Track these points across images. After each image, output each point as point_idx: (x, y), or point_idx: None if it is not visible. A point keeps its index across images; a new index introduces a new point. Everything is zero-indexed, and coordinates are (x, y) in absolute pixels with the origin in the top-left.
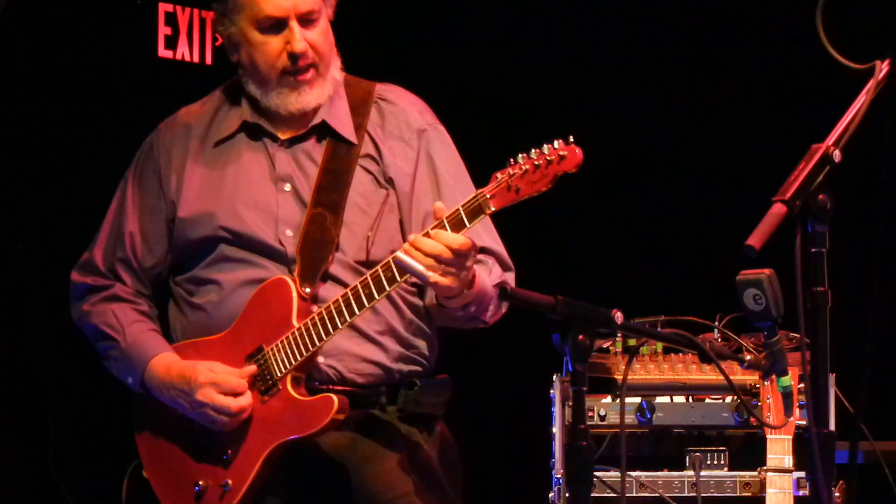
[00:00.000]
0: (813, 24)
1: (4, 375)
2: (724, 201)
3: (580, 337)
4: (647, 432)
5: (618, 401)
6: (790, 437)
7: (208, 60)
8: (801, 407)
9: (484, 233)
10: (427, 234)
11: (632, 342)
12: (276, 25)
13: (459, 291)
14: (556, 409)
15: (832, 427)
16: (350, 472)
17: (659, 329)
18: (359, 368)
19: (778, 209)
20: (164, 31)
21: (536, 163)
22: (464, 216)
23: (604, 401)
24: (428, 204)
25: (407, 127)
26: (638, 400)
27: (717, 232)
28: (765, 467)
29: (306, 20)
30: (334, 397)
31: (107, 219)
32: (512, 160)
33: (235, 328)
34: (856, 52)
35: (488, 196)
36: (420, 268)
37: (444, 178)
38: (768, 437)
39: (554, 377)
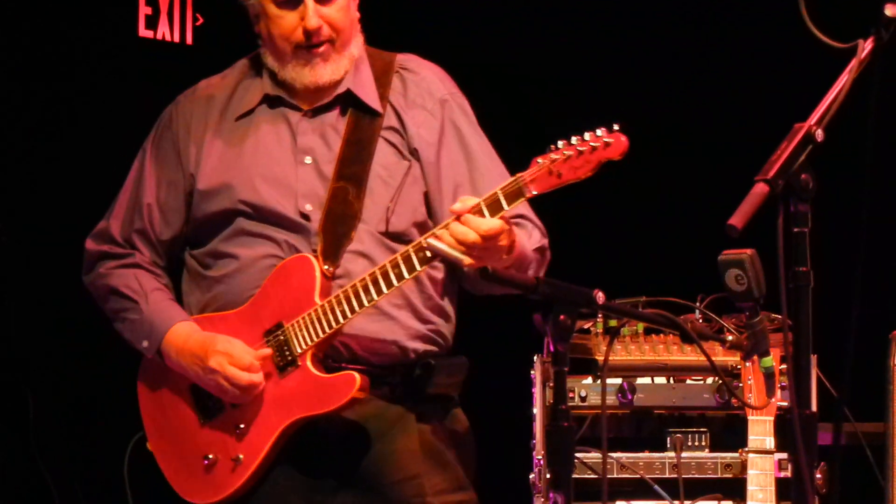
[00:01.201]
0: (795, 2)
1: None
2: (706, 181)
3: (561, 317)
4: (627, 413)
5: (598, 381)
6: (771, 418)
7: (189, 40)
8: (782, 388)
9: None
10: (459, 220)
11: (613, 323)
12: (292, 1)
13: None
14: (537, 390)
15: (814, 408)
16: (360, 450)
17: (640, 310)
18: (374, 347)
19: (760, 189)
20: (144, 10)
21: (580, 148)
22: (502, 199)
23: (584, 381)
24: (458, 175)
25: (429, 95)
26: (619, 381)
27: (698, 211)
28: (746, 449)
29: None
30: (356, 375)
31: (124, 188)
32: (553, 146)
33: (254, 303)
34: (838, 31)
35: (528, 180)
36: (455, 253)
37: (474, 151)
38: (749, 418)
39: (535, 357)
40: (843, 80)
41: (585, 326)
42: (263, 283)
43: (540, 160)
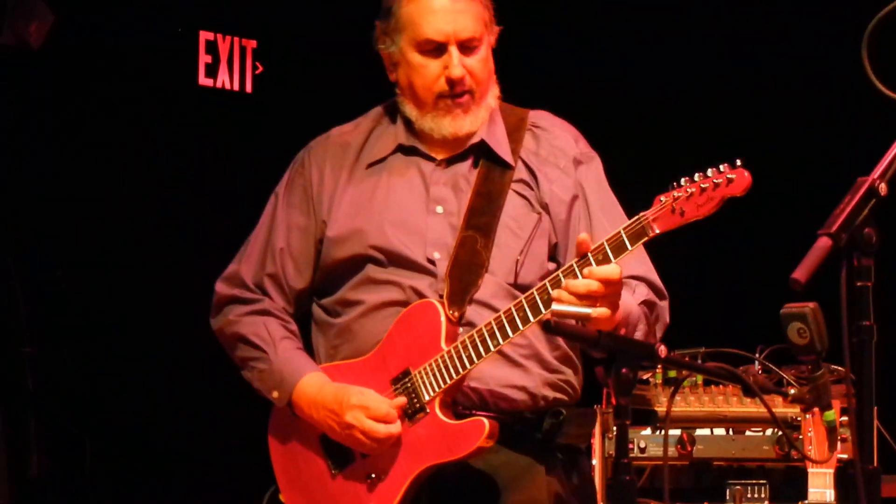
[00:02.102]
0: (859, 55)
1: (46, 399)
2: (769, 233)
3: (623, 370)
4: (687, 465)
5: (657, 433)
6: (832, 470)
7: (248, 88)
8: (843, 441)
9: (632, 258)
10: (573, 275)
11: (672, 373)
12: (436, 49)
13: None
14: (597, 441)
15: (875, 462)
16: (488, 500)
17: (699, 361)
18: (503, 393)
19: (823, 242)
20: (204, 59)
21: (703, 185)
22: (625, 239)
23: (643, 433)
24: (580, 233)
25: (563, 154)
26: (678, 432)
27: (760, 263)
28: (806, 501)
29: (467, 46)
30: (486, 421)
31: (255, 233)
32: (675, 183)
33: (380, 350)
34: None
35: (651, 218)
36: (579, 310)
37: (594, 208)
38: (809, 470)
39: (595, 408)
40: None
41: (645, 377)
42: (389, 330)
43: (663, 198)
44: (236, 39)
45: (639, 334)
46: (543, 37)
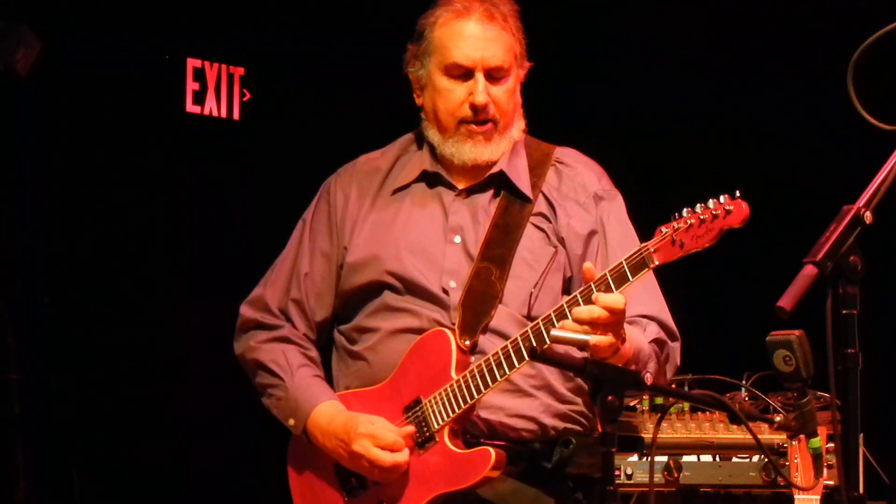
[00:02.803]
0: (844, 84)
1: (33, 426)
2: (756, 261)
3: (609, 398)
4: (673, 491)
5: (644, 459)
6: (818, 497)
7: (236, 116)
8: (829, 468)
9: (646, 296)
10: (577, 304)
11: (659, 400)
12: (464, 75)
13: (614, 351)
14: None
15: (861, 489)
16: None
17: (686, 388)
18: (512, 423)
19: (809, 271)
20: (192, 86)
21: (702, 217)
22: (627, 270)
23: (630, 459)
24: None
25: (584, 191)
26: (665, 459)
27: (746, 291)
28: None
29: (494, 76)
30: (492, 450)
31: (282, 257)
32: (677, 214)
33: (394, 379)
34: (887, 113)
35: (652, 250)
36: (577, 337)
37: (611, 243)
38: (796, 497)
39: None
40: (892, 162)
41: (632, 404)
42: (403, 358)
43: (664, 229)
44: (224, 66)
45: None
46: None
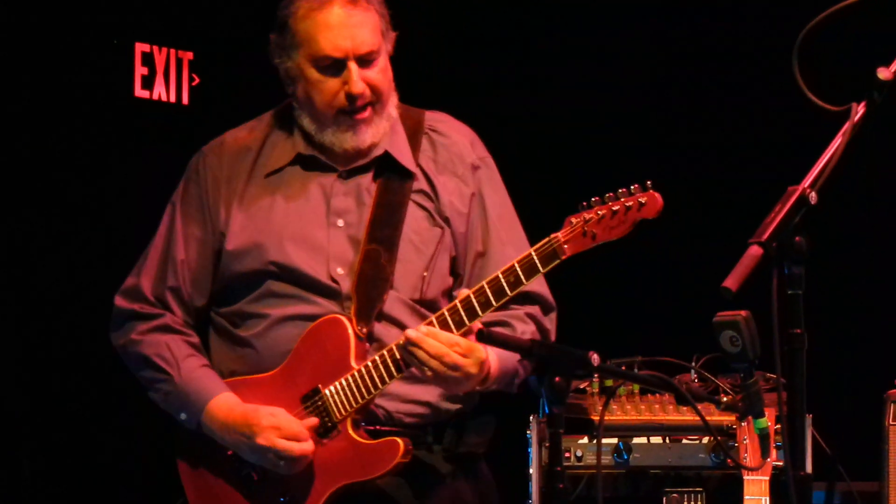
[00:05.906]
0: (789, 66)
1: None
2: (700, 242)
3: (557, 379)
4: (623, 473)
5: (594, 441)
6: (767, 478)
7: (185, 101)
8: (777, 448)
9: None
10: (435, 328)
11: (609, 382)
12: (335, 65)
13: (468, 388)
14: (533, 450)
15: (809, 469)
16: None
17: (636, 370)
18: (407, 409)
19: (754, 251)
20: (140, 70)
21: (614, 208)
22: (536, 261)
23: (580, 441)
24: (477, 245)
25: (460, 161)
26: (615, 441)
27: (693, 273)
28: None
29: (365, 60)
30: (400, 441)
31: (153, 245)
32: (584, 203)
33: (288, 366)
34: (831, 95)
35: (562, 241)
36: (421, 363)
37: (492, 218)
38: (745, 478)
39: (531, 418)
40: (837, 142)
41: (581, 386)
42: (296, 346)
43: (573, 220)
44: (172, 51)
45: (517, 383)
46: (442, 38)
